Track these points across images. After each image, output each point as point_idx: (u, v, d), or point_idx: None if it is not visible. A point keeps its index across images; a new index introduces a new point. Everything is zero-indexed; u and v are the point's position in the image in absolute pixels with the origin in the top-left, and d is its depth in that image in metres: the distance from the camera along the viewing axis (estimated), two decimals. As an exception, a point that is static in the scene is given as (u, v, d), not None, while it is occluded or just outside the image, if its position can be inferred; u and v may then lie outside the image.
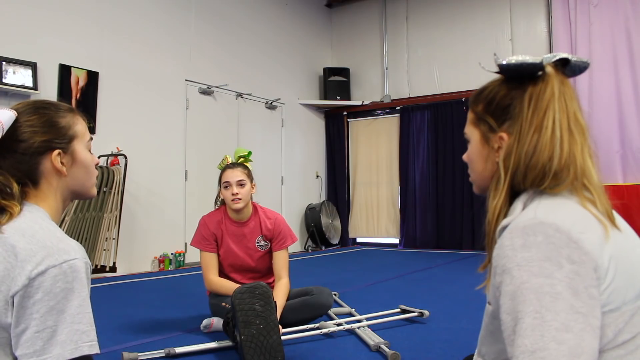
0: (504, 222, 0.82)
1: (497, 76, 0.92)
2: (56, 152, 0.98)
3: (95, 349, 0.87)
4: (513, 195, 0.86)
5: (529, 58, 0.84)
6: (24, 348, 0.83)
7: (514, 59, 0.85)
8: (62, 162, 1.00)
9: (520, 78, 0.86)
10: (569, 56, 0.86)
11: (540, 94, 0.84)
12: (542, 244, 0.73)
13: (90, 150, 1.07)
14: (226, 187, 2.62)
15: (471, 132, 0.96)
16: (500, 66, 0.87)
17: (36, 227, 0.90)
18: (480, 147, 0.93)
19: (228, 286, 2.56)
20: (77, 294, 0.86)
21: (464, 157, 1.01)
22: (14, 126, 0.95)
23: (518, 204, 0.84)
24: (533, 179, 0.83)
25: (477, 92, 0.95)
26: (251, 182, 2.68)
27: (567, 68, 0.87)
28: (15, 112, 0.96)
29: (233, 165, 2.69)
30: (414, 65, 7.42)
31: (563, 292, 0.70)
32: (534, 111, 0.83)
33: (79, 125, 1.04)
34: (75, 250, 0.89)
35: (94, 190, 1.09)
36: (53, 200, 1.00)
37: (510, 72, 0.87)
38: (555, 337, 0.67)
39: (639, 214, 5.57)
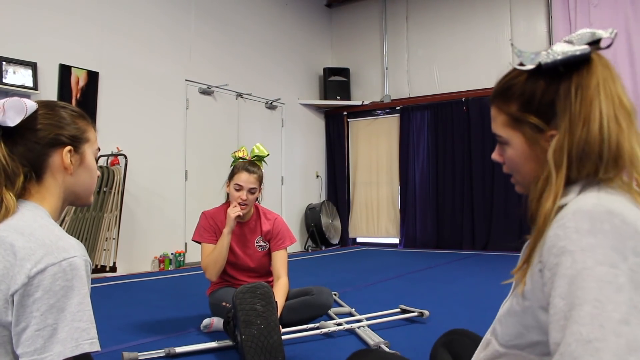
0: (561, 201, 0.79)
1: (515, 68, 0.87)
2: (68, 148, 1.01)
3: (95, 347, 0.87)
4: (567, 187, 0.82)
5: (576, 50, 0.79)
6: (24, 346, 0.83)
7: (560, 53, 0.80)
8: (70, 160, 1.01)
9: (557, 69, 0.81)
10: (605, 33, 0.81)
11: (586, 84, 0.79)
12: (609, 232, 0.70)
13: (96, 160, 1.10)
14: (237, 189, 2.58)
15: (511, 136, 0.88)
16: (546, 65, 0.81)
17: (35, 225, 0.91)
18: (528, 150, 0.87)
19: (217, 253, 2.53)
20: (77, 291, 0.86)
21: (497, 157, 0.95)
22: (33, 116, 0.97)
23: (574, 187, 0.80)
24: (587, 172, 0.79)
25: (501, 89, 0.89)
26: (260, 187, 2.66)
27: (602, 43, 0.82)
28: (37, 104, 0.99)
29: (251, 169, 2.61)
30: (414, 65, 7.42)
31: (625, 284, 0.68)
32: (581, 102, 0.79)
33: (91, 133, 1.07)
34: (74, 248, 0.89)
35: (92, 198, 1.11)
36: (54, 198, 1.00)
37: (555, 66, 0.81)
38: (615, 329, 0.65)
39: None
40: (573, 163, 0.80)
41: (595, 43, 0.81)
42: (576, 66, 0.80)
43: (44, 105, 1.01)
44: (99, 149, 1.11)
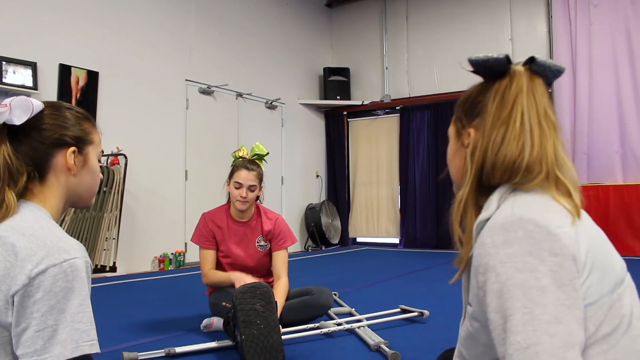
0: (481, 217, 0.81)
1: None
2: (72, 148, 1.01)
3: (95, 348, 0.87)
4: (488, 190, 0.86)
5: (495, 53, 0.86)
6: (24, 347, 0.83)
7: (482, 54, 0.87)
8: (74, 161, 1.02)
9: (492, 77, 0.88)
10: (536, 56, 0.87)
11: (506, 89, 0.85)
12: (522, 239, 0.73)
13: (100, 162, 1.11)
14: (237, 187, 2.61)
15: (450, 131, 0.98)
16: (470, 61, 0.88)
17: (36, 226, 0.91)
18: (454, 143, 0.96)
19: (222, 275, 2.60)
20: (78, 293, 0.86)
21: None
22: (39, 115, 0.98)
23: (493, 200, 0.83)
24: (502, 173, 0.82)
25: (462, 96, 0.98)
26: (260, 185, 2.67)
27: (536, 68, 0.87)
28: (43, 104, 1.00)
29: (250, 167, 2.64)
30: (414, 65, 7.42)
31: (548, 285, 0.70)
32: (499, 105, 0.84)
33: (95, 135, 1.08)
34: (75, 249, 0.89)
35: (93, 200, 1.12)
36: (56, 199, 1.01)
37: (480, 67, 0.88)
38: (547, 330, 0.67)
39: (639, 214, 5.57)
40: (486, 163, 0.84)
41: (530, 62, 0.87)
42: (501, 75, 0.87)
43: (49, 105, 1.02)
44: (102, 152, 1.12)
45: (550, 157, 0.81)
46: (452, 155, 0.96)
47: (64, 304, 0.84)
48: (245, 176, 2.60)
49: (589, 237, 0.77)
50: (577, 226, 0.77)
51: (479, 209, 0.86)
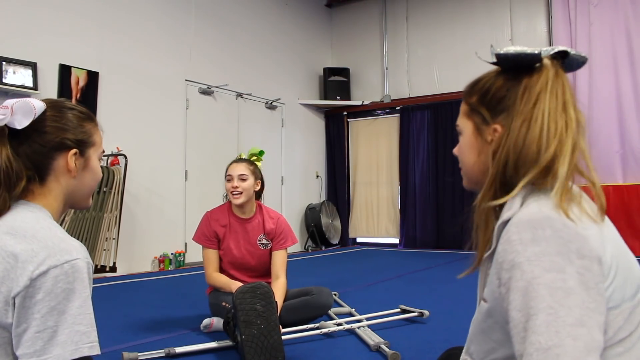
0: (505, 216, 0.80)
1: (493, 68, 0.91)
2: (73, 151, 1.00)
3: (95, 350, 0.87)
4: (508, 188, 0.84)
5: (527, 49, 0.83)
6: (24, 348, 0.83)
7: (512, 49, 0.84)
8: (75, 164, 1.01)
9: (517, 69, 0.85)
10: (568, 49, 0.84)
11: (533, 85, 0.82)
12: (551, 237, 0.72)
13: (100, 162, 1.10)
14: (228, 180, 2.66)
15: (464, 124, 0.94)
16: (498, 55, 0.85)
17: (37, 227, 0.90)
18: (473, 140, 0.91)
19: (225, 281, 2.61)
20: (79, 294, 0.86)
21: (455, 150, 0.98)
22: (41, 117, 0.96)
23: (516, 198, 0.82)
24: (525, 172, 0.81)
25: (471, 84, 0.94)
26: (255, 179, 2.70)
27: (565, 61, 0.85)
28: (45, 105, 0.98)
29: (239, 159, 2.74)
30: (414, 65, 7.42)
31: (575, 287, 0.69)
32: (526, 102, 0.82)
33: (97, 135, 1.07)
34: (77, 250, 0.89)
35: (91, 201, 1.11)
36: (56, 200, 1.00)
37: (508, 62, 0.85)
38: (571, 333, 0.66)
39: (639, 214, 5.57)
40: (509, 162, 0.82)
41: (562, 57, 0.85)
42: (530, 70, 0.84)
43: (52, 106, 1.00)
44: (103, 151, 1.11)
45: (566, 155, 0.79)
46: (469, 150, 0.92)
47: (65, 305, 0.84)
48: (233, 167, 2.67)
49: (613, 240, 0.77)
50: (601, 229, 0.76)
51: (500, 206, 0.85)
